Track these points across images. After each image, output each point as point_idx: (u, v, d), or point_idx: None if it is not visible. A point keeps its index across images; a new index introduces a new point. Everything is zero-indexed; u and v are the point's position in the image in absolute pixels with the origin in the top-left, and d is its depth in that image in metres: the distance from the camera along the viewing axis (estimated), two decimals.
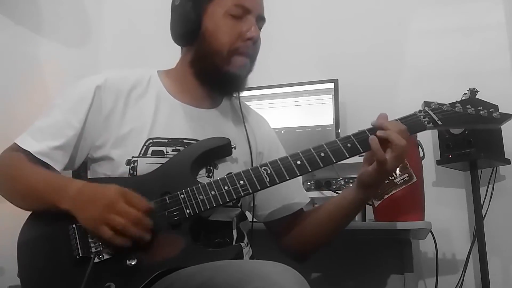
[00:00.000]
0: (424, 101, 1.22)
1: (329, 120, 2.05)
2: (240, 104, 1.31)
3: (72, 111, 1.15)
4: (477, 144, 1.79)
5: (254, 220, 1.29)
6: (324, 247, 1.26)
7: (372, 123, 1.14)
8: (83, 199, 1.03)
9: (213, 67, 1.19)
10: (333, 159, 1.12)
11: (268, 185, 1.10)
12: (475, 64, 2.07)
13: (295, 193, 1.31)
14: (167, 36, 1.26)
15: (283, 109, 2.12)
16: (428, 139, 2.03)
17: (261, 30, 1.25)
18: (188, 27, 1.19)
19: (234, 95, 1.29)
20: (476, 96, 1.76)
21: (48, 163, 1.12)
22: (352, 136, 1.14)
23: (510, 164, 1.89)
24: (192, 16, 1.18)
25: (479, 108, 1.18)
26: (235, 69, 1.18)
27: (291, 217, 1.29)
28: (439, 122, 1.16)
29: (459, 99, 1.74)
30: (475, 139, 1.80)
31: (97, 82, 1.17)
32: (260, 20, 1.22)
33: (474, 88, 1.77)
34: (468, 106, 1.18)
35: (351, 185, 1.89)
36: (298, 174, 1.12)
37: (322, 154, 1.12)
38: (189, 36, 1.20)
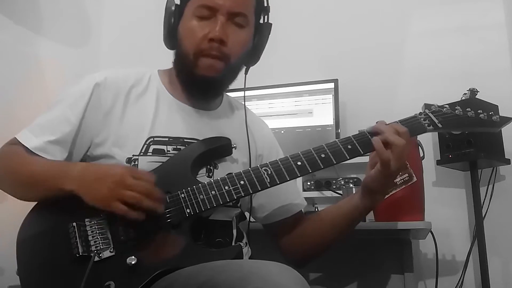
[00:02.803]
0: (425, 104, 1.22)
1: (329, 120, 2.05)
2: (244, 105, 1.31)
3: (70, 107, 1.16)
4: (477, 144, 1.79)
5: (252, 220, 1.29)
6: (324, 253, 1.26)
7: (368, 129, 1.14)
8: (89, 178, 1.04)
9: (186, 70, 1.19)
10: (334, 161, 1.11)
11: (269, 186, 1.10)
12: (475, 64, 2.07)
13: (293, 195, 1.31)
14: None
15: (283, 109, 2.12)
16: (428, 139, 2.03)
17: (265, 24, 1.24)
18: (169, 31, 1.21)
19: (216, 97, 1.28)
20: (476, 96, 1.76)
21: (46, 157, 1.12)
22: (352, 138, 1.13)
23: (510, 164, 1.89)
24: (171, 20, 1.20)
25: (479, 111, 1.19)
26: (202, 71, 1.16)
27: (289, 219, 1.29)
28: (439, 125, 1.16)
29: (459, 99, 1.76)
30: (475, 139, 1.79)
31: (97, 80, 1.18)
32: (236, 16, 1.16)
33: (474, 88, 1.77)
34: (468, 109, 1.19)
35: (351, 185, 1.91)
36: (299, 175, 1.11)
37: (323, 155, 1.11)
38: (170, 40, 1.21)
